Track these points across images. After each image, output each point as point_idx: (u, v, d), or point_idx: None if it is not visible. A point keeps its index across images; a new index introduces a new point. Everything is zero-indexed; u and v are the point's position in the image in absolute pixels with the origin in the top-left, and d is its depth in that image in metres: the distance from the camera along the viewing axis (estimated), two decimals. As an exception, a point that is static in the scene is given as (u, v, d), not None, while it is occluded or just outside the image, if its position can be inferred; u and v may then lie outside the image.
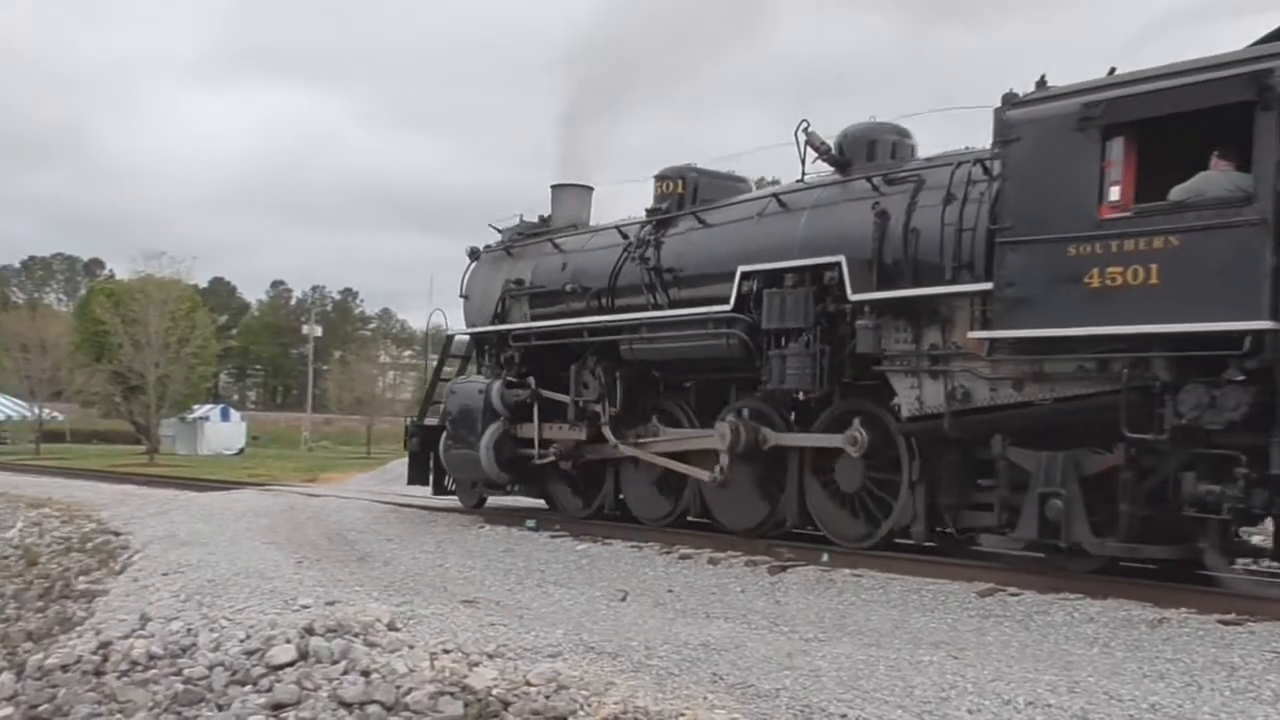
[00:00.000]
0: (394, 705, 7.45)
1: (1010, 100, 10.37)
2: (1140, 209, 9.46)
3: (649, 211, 15.02)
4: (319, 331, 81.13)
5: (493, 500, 17.68)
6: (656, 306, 14.20)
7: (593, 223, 16.91)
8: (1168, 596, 9.55)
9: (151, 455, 50.23)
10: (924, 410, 11.30)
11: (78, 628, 10.95)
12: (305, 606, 9.63)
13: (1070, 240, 9.68)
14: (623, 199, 15.73)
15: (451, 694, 7.38)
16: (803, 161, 13.15)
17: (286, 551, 13.28)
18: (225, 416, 67.80)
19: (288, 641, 8.53)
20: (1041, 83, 10.50)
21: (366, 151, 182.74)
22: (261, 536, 14.59)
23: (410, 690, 7.53)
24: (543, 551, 13.53)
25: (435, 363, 19.88)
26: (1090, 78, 10.09)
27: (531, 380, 15.86)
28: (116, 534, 15.78)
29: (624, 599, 10.72)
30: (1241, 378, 8.83)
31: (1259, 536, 10.98)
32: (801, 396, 12.76)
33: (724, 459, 13.06)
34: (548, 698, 7.13)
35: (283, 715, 7.70)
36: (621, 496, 15.41)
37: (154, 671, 8.79)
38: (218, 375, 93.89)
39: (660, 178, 15.08)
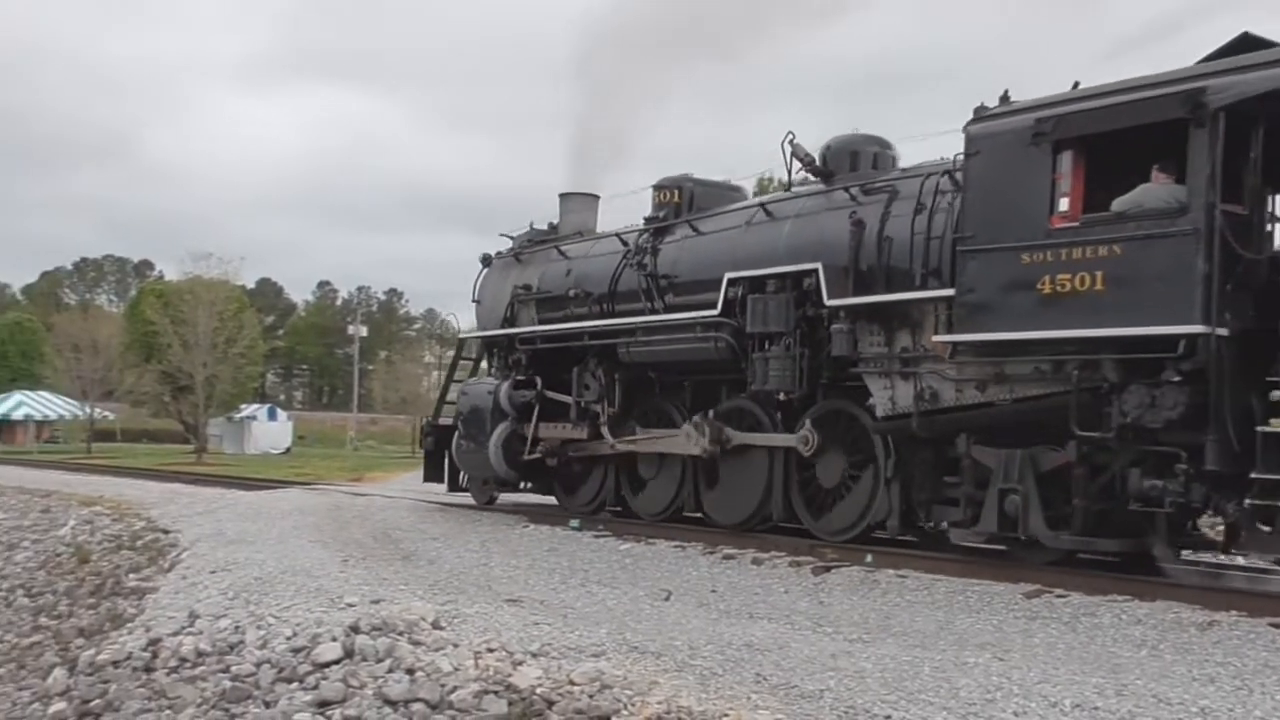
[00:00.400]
0: (439, 703, 7.49)
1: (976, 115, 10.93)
2: (1087, 219, 9.96)
3: (647, 220, 15.68)
4: (364, 332, 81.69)
5: (505, 497, 18.29)
6: (653, 311, 14.89)
7: (600, 229, 17.57)
8: (1218, 599, 9.45)
9: (200, 454, 50.70)
10: (896, 410, 11.87)
11: (128, 624, 11.08)
12: (351, 605, 9.70)
13: (1024, 249, 10.22)
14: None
15: (496, 692, 7.41)
16: (789, 172, 13.85)
17: (332, 550, 13.37)
18: (272, 416, 68.37)
19: (333, 639, 8.60)
20: (1005, 98, 10.95)
21: (413, 152, 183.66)
22: (308, 535, 14.70)
23: (455, 689, 7.57)
24: (586, 551, 13.55)
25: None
26: (1047, 94, 10.61)
27: (537, 381, 16.55)
28: (166, 532, 15.95)
29: (668, 599, 10.72)
30: (1178, 379, 9.37)
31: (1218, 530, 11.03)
32: (782, 397, 13.23)
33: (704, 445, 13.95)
34: (591, 697, 7.14)
35: (329, 713, 7.76)
36: (622, 494, 16.02)
37: (202, 668, 8.88)
38: (265, 375, 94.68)
39: (658, 187, 15.72)
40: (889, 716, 6.49)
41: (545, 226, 18.24)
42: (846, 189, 12.91)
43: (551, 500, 17.49)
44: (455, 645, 8.39)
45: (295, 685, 8.22)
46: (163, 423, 65.55)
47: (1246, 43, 9.69)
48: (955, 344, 10.99)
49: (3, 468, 33.95)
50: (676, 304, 14.59)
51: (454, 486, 18.44)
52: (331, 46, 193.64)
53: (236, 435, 61.74)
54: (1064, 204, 10.10)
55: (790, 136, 13.42)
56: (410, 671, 7.96)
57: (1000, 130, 10.61)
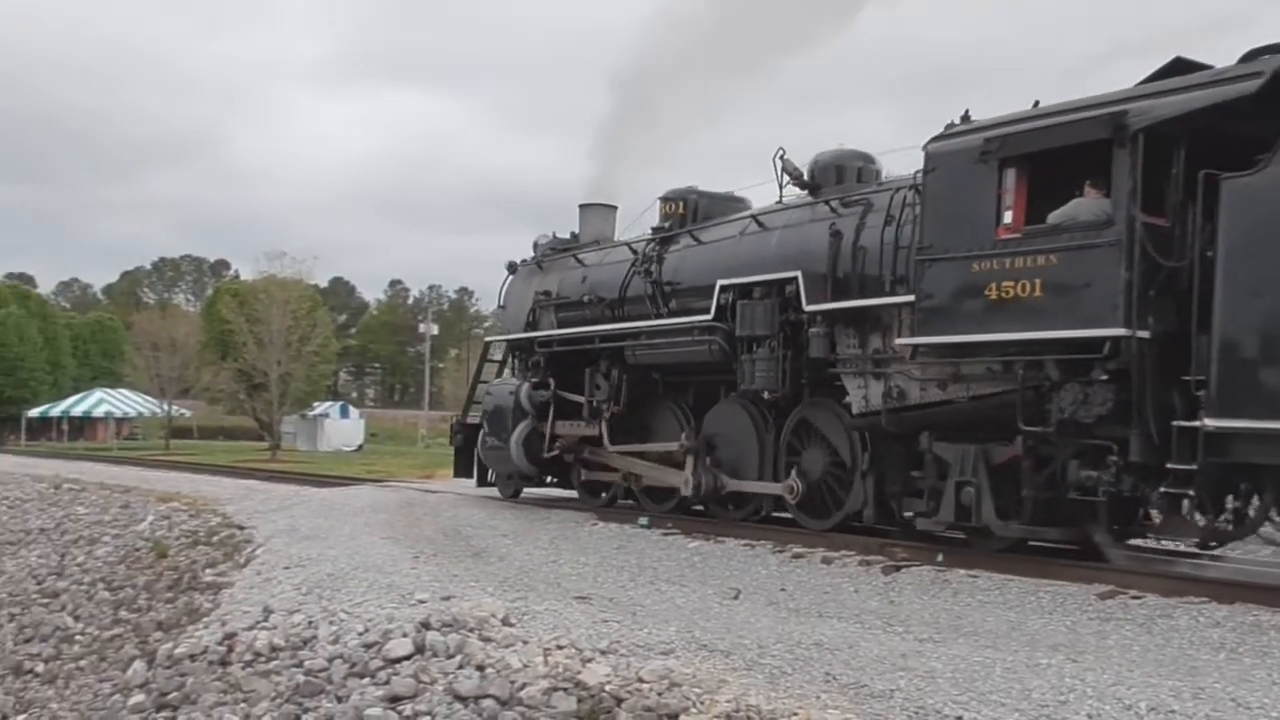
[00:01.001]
0: (508, 700, 7.53)
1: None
2: (1028, 231, 10.78)
3: (654, 230, 16.67)
4: (435, 330, 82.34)
5: (528, 491, 19.13)
6: (658, 315, 15.83)
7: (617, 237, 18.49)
8: (1298, 601, 9.31)
9: (274, 451, 51.41)
10: (869, 408, 12.72)
11: (204, 619, 11.26)
12: (422, 601, 9.78)
13: (974, 258, 11.05)
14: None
15: (565, 689, 7.44)
16: (780, 186, 14.69)
17: (403, 546, 13.49)
18: (344, 414, 69.17)
19: (404, 635, 8.68)
20: (965, 117, 11.86)
21: (483, 152, 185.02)
22: (379, 531, 14.85)
23: (524, 685, 7.61)
24: (655, 549, 13.56)
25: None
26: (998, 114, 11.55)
27: (551, 382, 17.54)
28: (241, 528, 16.19)
29: (737, 597, 10.70)
30: (1105, 377, 10.14)
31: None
32: (767, 396, 14.15)
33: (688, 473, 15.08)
34: (660, 695, 7.14)
35: (400, 708, 7.84)
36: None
37: (276, 663, 9.00)
38: (337, 373, 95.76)
39: (665, 199, 16.69)
40: (960, 717, 6.44)
41: (567, 235, 19.15)
42: (827, 202, 13.77)
43: (573, 493, 18.23)
44: (525, 642, 8.43)
45: (367, 680, 8.30)
46: (238, 420, 66.52)
47: (1179, 66, 10.59)
48: (916, 346, 11.83)
49: (85, 464, 34.65)
50: (678, 309, 15.57)
51: (482, 481, 19.37)
52: (405, 49, 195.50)
53: (310, 432, 62.52)
54: (1008, 216, 10.90)
55: (780, 152, 14.30)
56: (480, 668, 8.01)
57: (954, 149, 11.47)
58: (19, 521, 21.23)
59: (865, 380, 12.81)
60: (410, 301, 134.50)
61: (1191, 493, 9.86)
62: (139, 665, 10.49)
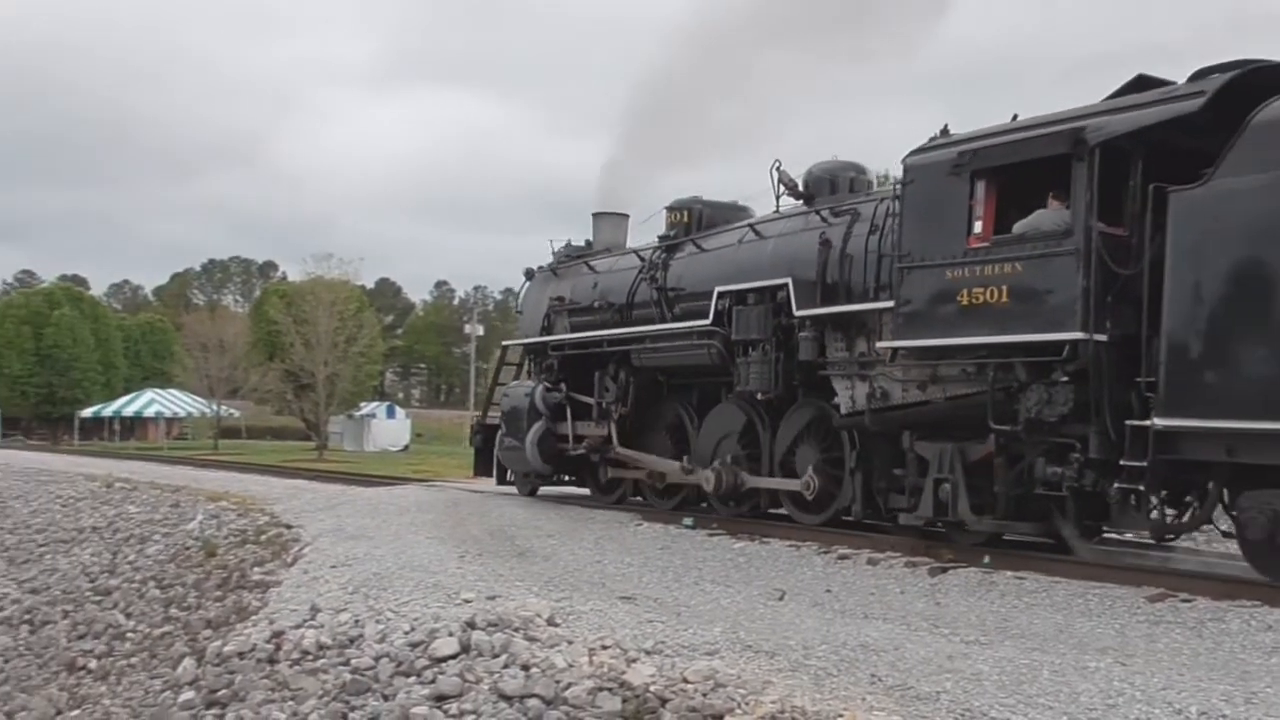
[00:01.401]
0: (553, 699, 7.56)
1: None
2: (996, 240, 11.31)
3: (660, 238, 17.31)
4: (481, 330, 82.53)
5: (544, 489, 19.75)
6: (663, 320, 16.40)
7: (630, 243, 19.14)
8: (1352, 605, 9.19)
9: (321, 451, 51.79)
10: (855, 408, 13.25)
11: (253, 617, 11.37)
12: (467, 601, 9.83)
13: (947, 266, 11.59)
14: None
15: (610, 689, 7.46)
16: (776, 197, 15.25)
17: (449, 546, 13.56)
18: (391, 414, 69.58)
19: (450, 635, 8.73)
20: (944, 131, 12.43)
21: (529, 153, 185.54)
22: (425, 531, 14.92)
23: (569, 685, 7.63)
24: (699, 549, 13.55)
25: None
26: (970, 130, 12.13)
27: (563, 384, 18.29)
28: (288, 527, 16.32)
29: (782, 598, 10.68)
30: (1065, 379, 10.65)
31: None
32: (760, 397, 14.73)
33: (709, 487, 15.38)
34: (705, 695, 7.15)
35: (445, 707, 7.89)
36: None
37: (323, 661, 9.08)
38: (383, 374, 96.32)
39: (670, 209, 17.31)
40: (1007, 720, 6.40)
41: (582, 243, 19.81)
42: (818, 211, 14.30)
43: (584, 491, 19.04)
44: (570, 642, 8.46)
45: (413, 679, 8.36)
46: (285, 420, 67.12)
47: (1141, 83, 11.15)
48: (896, 349, 12.39)
49: (136, 463, 35.05)
50: (682, 314, 16.11)
51: (502, 480, 20.04)
52: (452, 50, 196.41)
53: (356, 433, 62.93)
54: (978, 226, 11.45)
55: (777, 164, 14.89)
56: (525, 667, 8.05)
57: (930, 162, 12.04)
58: (72, 520, 21.50)
59: (852, 382, 13.39)
60: (456, 302, 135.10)
61: (1142, 488, 10.30)
62: (189, 663, 10.62)
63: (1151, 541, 12.34)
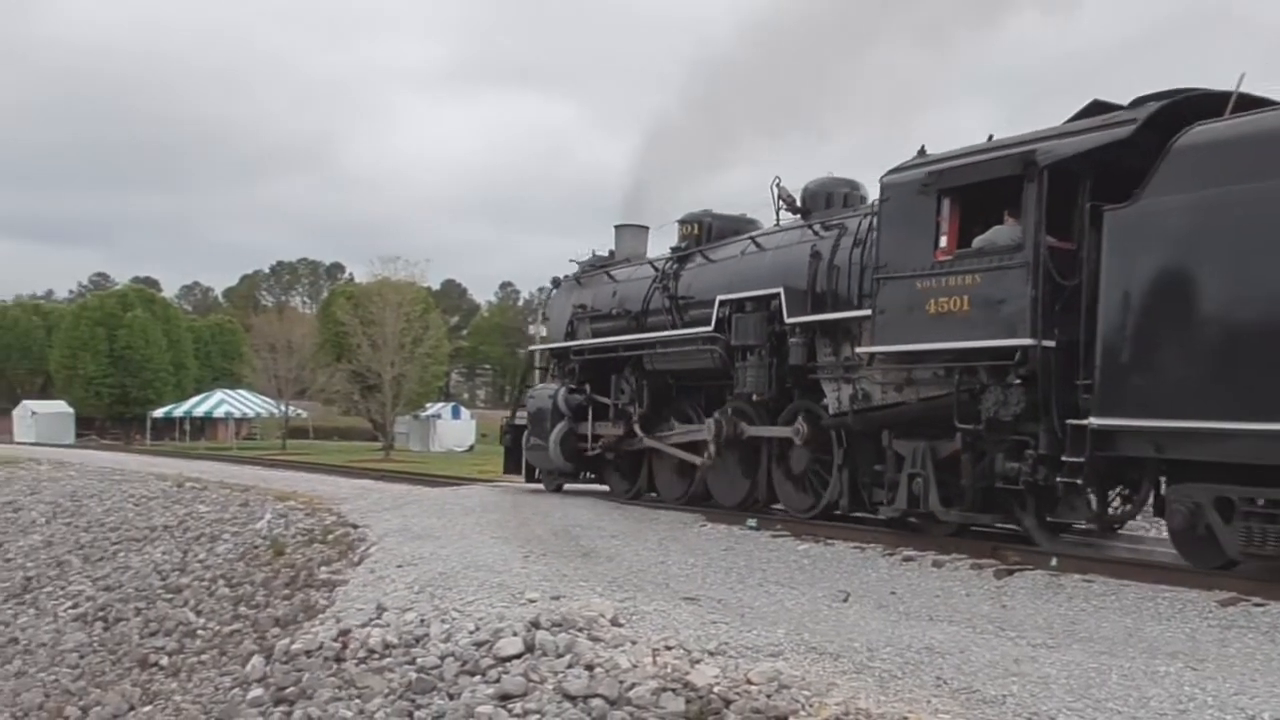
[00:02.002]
0: (617, 700, 7.57)
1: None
2: (959, 254, 12.24)
3: (673, 249, 18.44)
4: (545, 332, 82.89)
5: (568, 486, 20.73)
6: (673, 327, 17.43)
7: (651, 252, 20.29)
8: None
9: (387, 451, 52.25)
10: (841, 409, 14.26)
11: (320, 615, 11.50)
12: (532, 600, 9.87)
13: (917, 277, 12.55)
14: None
15: (673, 690, 7.46)
16: (776, 211, 16.39)
17: (514, 546, 13.63)
18: (456, 414, 69.98)
19: (515, 634, 8.77)
20: (921, 152, 13.29)
21: (594, 155, 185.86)
22: (490, 531, 15.01)
23: (633, 685, 7.64)
24: (763, 551, 13.52)
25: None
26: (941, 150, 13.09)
27: (587, 386, 19.42)
28: (355, 527, 16.48)
29: (846, 600, 10.63)
30: (1018, 382, 11.55)
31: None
32: (755, 399, 15.70)
33: (711, 447, 16.32)
34: (769, 697, 7.14)
35: (510, 706, 7.92)
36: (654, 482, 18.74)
37: (389, 660, 9.16)
38: (449, 374, 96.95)
39: (682, 221, 18.34)
40: (1075, 725, 6.33)
41: (605, 253, 20.93)
42: (811, 226, 15.29)
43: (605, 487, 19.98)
44: (633, 642, 8.47)
45: (478, 678, 8.41)
46: (352, 420, 67.75)
47: (1096, 108, 12.06)
48: (873, 354, 13.37)
49: (206, 463, 35.57)
50: (690, 321, 17.11)
51: (530, 477, 21.15)
52: (519, 53, 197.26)
53: (422, 433, 63.38)
54: (944, 241, 12.37)
55: (776, 180, 16.01)
56: (589, 667, 8.07)
57: (903, 181, 13.00)
58: (144, 519, 21.86)
59: (838, 384, 14.39)
60: (520, 303, 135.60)
61: (1080, 481, 11.14)
62: (257, 660, 10.74)
63: (1109, 530, 13.21)
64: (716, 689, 7.34)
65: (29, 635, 17.57)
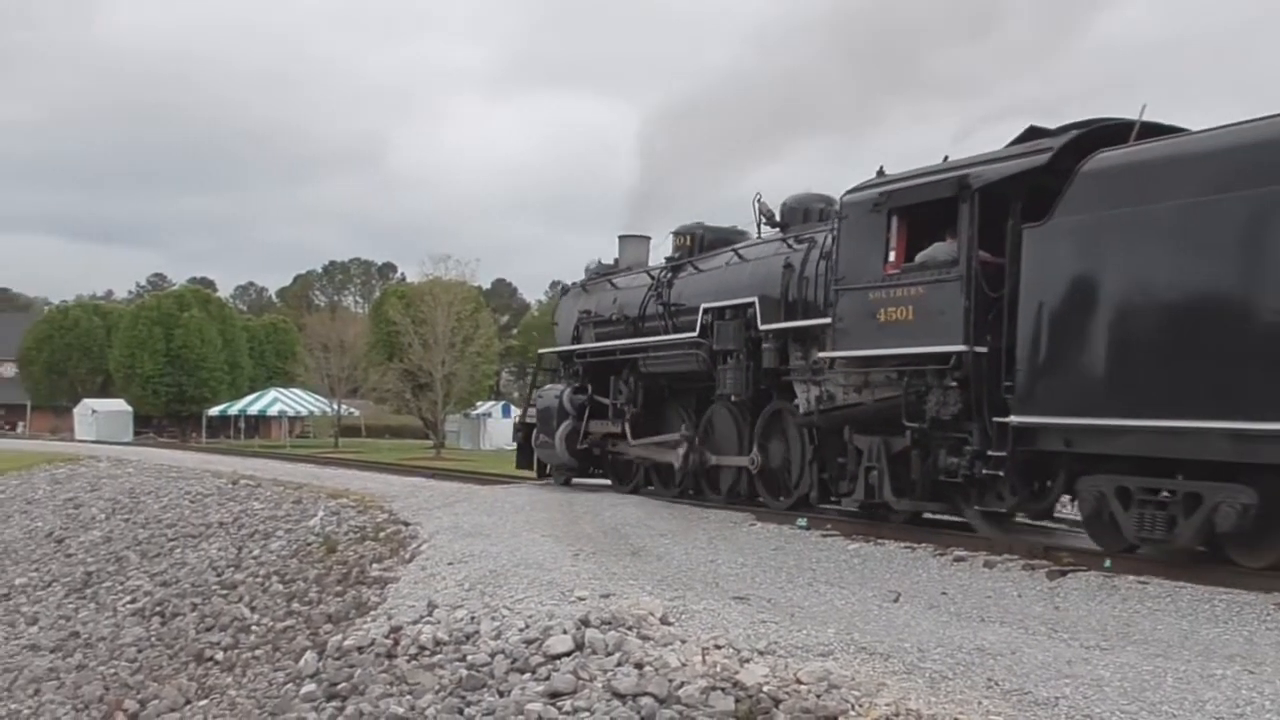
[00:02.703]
0: (666, 698, 7.58)
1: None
2: (905, 268, 13.39)
3: (667, 259, 19.66)
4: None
5: (576, 481, 21.53)
6: (666, 332, 18.64)
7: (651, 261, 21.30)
8: None
9: (438, 450, 52.52)
10: (809, 409, 15.40)
11: (371, 612, 11.59)
12: (581, 598, 9.90)
13: (870, 288, 13.75)
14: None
15: (723, 689, 7.46)
16: (758, 225, 17.74)
17: (564, 544, 13.66)
18: (506, 413, 70.07)
19: (564, 632, 8.80)
20: (880, 172, 14.43)
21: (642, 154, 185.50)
22: (540, 529, 15.05)
23: (682, 684, 7.65)
24: (814, 550, 13.48)
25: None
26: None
27: (589, 387, 20.64)
28: (406, 524, 16.59)
29: (897, 600, 10.58)
30: (955, 384, 12.67)
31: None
32: (734, 399, 16.92)
33: (678, 475, 18.33)
34: (819, 697, 7.12)
35: (559, 704, 7.95)
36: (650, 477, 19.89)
37: (440, 656, 9.22)
38: (499, 373, 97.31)
39: (676, 233, 19.53)
40: (1128, 728, 6.27)
41: (610, 262, 22.05)
42: (786, 239, 16.49)
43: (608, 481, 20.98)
44: (683, 641, 8.48)
45: (527, 676, 8.45)
46: (404, 419, 68.16)
47: (1031, 133, 12.95)
48: (834, 358, 14.50)
49: (260, 461, 35.93)
50: (679, 327, 18.27)
51: (541, 474, 22.30)
52: (567, 54, 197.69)
53: (473, 431, 63.62)
54: (892, 256, 13.53)
55: (758, 196, 17.33)
56: (639, 666, 8.08)
57: (859, 200, 14.23)
58: (200, 515, 22.14)
59: (808, 386, 15.43)
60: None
61: (1002, 473, 12.26)
62: (310, 656, 10.84)
63: (1046, 523, 14.19)
64: (766, 688, 7.34)
65: (89, 629, 17.87)
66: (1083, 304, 11.37)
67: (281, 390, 70.44)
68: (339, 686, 9.58)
